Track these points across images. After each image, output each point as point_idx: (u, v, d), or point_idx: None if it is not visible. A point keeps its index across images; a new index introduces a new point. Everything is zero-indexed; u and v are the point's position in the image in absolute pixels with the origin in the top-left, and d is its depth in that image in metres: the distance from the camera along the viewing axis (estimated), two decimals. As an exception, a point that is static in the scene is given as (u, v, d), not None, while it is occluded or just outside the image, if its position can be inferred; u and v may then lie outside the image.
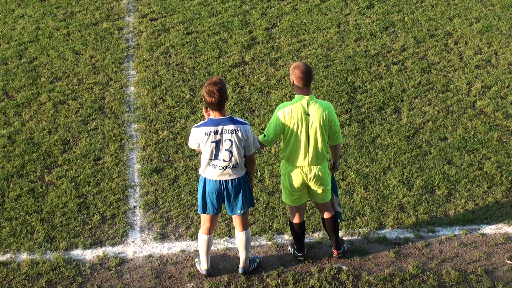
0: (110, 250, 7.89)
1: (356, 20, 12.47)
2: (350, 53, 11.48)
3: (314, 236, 8.06)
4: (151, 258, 7.78)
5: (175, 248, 7.90)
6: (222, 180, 7.09)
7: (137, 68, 11.19)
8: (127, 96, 10.54)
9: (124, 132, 9.75)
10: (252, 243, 7.92)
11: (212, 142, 6.95)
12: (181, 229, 8.17)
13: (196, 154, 9.28)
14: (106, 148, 9.42)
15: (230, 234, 8.06)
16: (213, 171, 7.07)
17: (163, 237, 8.06)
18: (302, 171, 7.26)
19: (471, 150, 9.36)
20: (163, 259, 7.77)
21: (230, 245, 7.92)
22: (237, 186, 7.12)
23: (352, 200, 8.55)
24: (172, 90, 10.61)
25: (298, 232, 7.56)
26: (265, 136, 7.20)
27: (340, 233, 8.09)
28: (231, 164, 7.01)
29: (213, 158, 7.01)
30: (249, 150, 7.06)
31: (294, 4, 13.02)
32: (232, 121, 6.97)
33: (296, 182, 7.31)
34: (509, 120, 9.94)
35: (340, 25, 12.35)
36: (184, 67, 11.19)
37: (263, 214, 8.33)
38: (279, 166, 9.05)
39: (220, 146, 6.95)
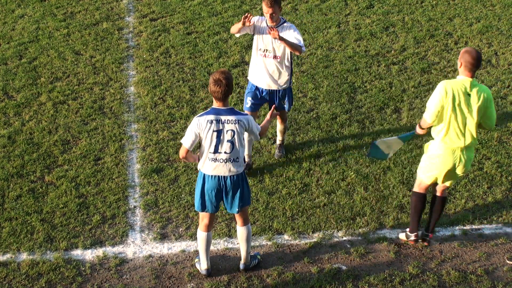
0: (110, 250, 7.89)
1: (356, 20, 12.47)
2: (350, 53, 11.48)
3: (314, 236, 8.06)
4: (151, 258, 7.78)
5: (175, 248, 7.90)
6: (221, 176, 7.06)
7: (137, 68, 11.19)
8: (127, 96, 10.54)
9: (124, 132, 9.75)
10: (252, 243, 7.92)
11: (214, 131, 6.91)
12: (181, 229, 8.17)
13: (196, 154, 9.27)
14: (106, 148, 9.42)
15: (230, 234, 8.06)
16: (213, 165, 7.02)
17: (163, 237, 8.06)
18: (454, 153, 7.35)
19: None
20: (163, 259, 7.77)
21: (230, 245, 7.92)
22: (235, 183, 7.09)
23: (352, 200, 8.55)
24: (172, 90, 10.62)
25: (419, 206, 7.65)
26: (428, 108, 7.33)
27: (341, 233, 8.10)
28: (231, 158, 6.98)
29: (213, 151, 6.97)
30: (256, 136, 7.14)
31: (294, 4, 13.01)
32: (234, 112, 6.97)
33: (445, 164, 7.37)
34: (509, 120, 9.93)
35: (340, 25, 12.35)
36: (184, 67, 11.19)
37: (263, 214, 8.33)
38: (279, 167, 9.05)
39: (222, 137, 6.93)
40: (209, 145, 6.95)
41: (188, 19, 12.54)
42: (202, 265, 7.52)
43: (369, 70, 11.06)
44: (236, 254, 7.80)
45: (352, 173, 8.95)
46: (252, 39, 8.87)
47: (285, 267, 7.66)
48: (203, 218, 7.33)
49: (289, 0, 13.10)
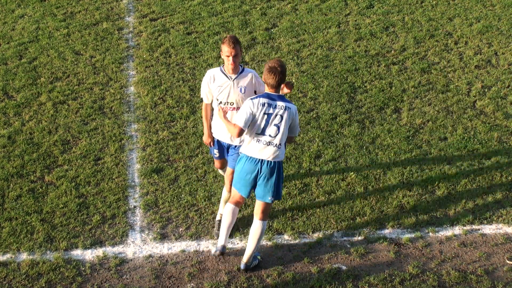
0: (110, 250, 7.89)
1: (356, 20, 12.47)
2: (350, 53, 11.48)
3: (314, 236, 8.06)
4: (151, 258, 7.78)
5: (175, 248, 7.90)
6: (259, 160, 7.31)
7: (137, 68, 11.18)
8: (127, 96, 10.54)
9: (124, 132, 9.75)
10: (252, 243, 7.92)
11: (264, 113, 7.29)
12: (181, 229, 8.17)
13: (196, 154, 9.28)
14: (106, 148, 9.42)
15: (230, 234, 8.05)
16: (256, 147, 7.34)
17: (163, 237, 8.06)
18: None
19: (471, 150, 9.36)
20: (163, 259, 7.77)
21: (230, 245, 7.92)
22: (272, 170, 7.34)
23: (352, 200, 8.54)
24: (172, 90, 10.61)
25: None
26: None
27: (341, 233, 8.10)
28: (274, 142, 7.29)
29: (260, 132, 7.31)
30: (293, 132, 7.44)
31: (294, 4, 13.01)
32: (284, 100, 7.39)
33: None
34: (509, 120, 9.94)
35: (340, 25, 12.35)
36: (184, 67, 11.18)
37: (263, 214, 8.33)
38: (279, 166, 9.05)
39: (270, 120, 7.28)
40: (257, 126, 7.31)
41: (188, 19, 12.54)
42: (220, 241, 7.59)
43: (369, 70, 11.06)
44: (236, 254, 7.80)
45: (352, 173, 8.95)
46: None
47: (285, 267, 7.66)
48: (235, 195, 7.60)
49: (289, 0, 13.10)
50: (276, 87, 7.33)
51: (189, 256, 7.80)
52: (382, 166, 9.08)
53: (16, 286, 7.45)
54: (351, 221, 8.25)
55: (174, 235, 8.08)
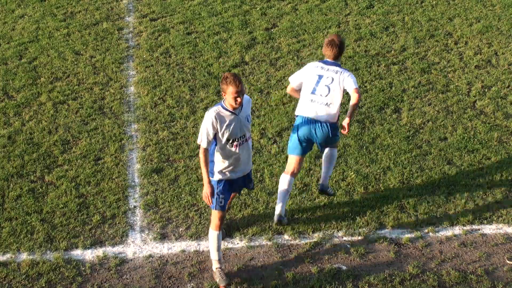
0: (110, 250, 7.89)
1: (356, 20, 12.47)
2: (350, 53, 11.48)
3: (314, 236, 8.06)
4: (151, 258, 7.78)
5: (175, 248, 7.90)
6: (314, 122, 7.83)
7: (137, 68, 11.18)
8: (127, 96, 10.54)
9: (124, 132, 9.75)
10: (252, 243, 7.92)
11: (317, 74, 7.85)
12: (181, 229, 8.17)
13: (196, 154, 9.28)
14: (106, 148, 9.42)
15: (230, 234, 8.05)
16: (310, 106, 7.85)
17: (163, 237, 8.06)
18: None
19: (471, 150, 9.36)
20: (163, 259, 7.77)
21: (230, 245, 7.92)
22: (325, 132, 7.89)
23: (352, 200, 8.54)
24: (172, 90, 10.61)
25: None
26: None
27: (341, 233, 8.10)
28: (327, 102, 7.79)
29: (311, 92, 7.84)
30: (351, 86, 7.76)
31: (294, 4, 13.01)
32: (339, 66, 7.92)
33: None
34: (509, 120, 9.94)
35: (340, 25, 12.35)
36: (184, 67, 11.18)
37: (263, 214, 8.33)
38: (279, 166, 9.05)
39: (321, 81, 7.81)
40: (309, 86, 7.83)
41: (188, 19, 12.54)
42: (276, 210, 7.97)
43: (369, 70, 11.06)
44: (236, 254, 7.80)
45: (352, 173, 8.94)
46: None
47: (285, 267, 7.66)
48: (292, 162, 7.97)
49: (289, 0, 13.10)
50: (334, 59, 7.88)
51: (189, 256, 7.80)
52: (382, 166, 9.08)
53: (16, 286, 7.45)
54: (351, 221, 8.25)
55: (174, 235, 8.08)
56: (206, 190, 7.11)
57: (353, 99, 7.73)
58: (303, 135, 7.91)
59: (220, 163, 7.20)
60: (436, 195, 8.63)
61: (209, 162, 7.14)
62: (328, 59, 7.92)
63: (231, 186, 7.36)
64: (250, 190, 7.79)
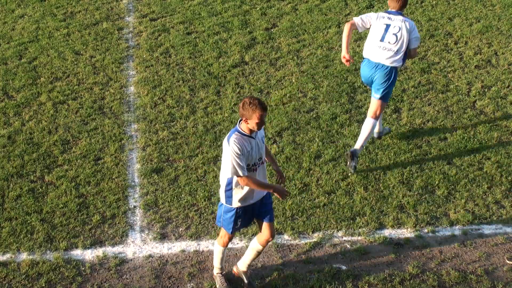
0: (110, 250, 7.89)
1: (356, 20, 12.46)
2: (350, 53, 11.47)
3: (314, 236, 8.06)
4: (151, 258, 7.78)
5: (175, 248, 7.90)
6: (375, 63, 8.81)
7: (137, 68, 11.18)
8: (127, 96, 10.54)
9: (124, 132, 9.75)
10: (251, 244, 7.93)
11: (383, 24, 8.78)
12: (181, 229, 8.17)
13: (196, 154, 9.28)
14: (106, 148, 9.42)
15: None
16: (375, 51, 8.82)
17: (163, 237, 8.06)
18: None
19: (471, 150, 9.36)
20: (163, 259, 7.77)
21: (230, 245, 7.92)
22: (385, 74, 8.79)
23: (352, 200, 8.54)
24: (172, 90, 10.61)
25: None
26: None
27: (341, 233, 8.10)
28: (393, 48, 8.70)
29: (380, 39, 8.78)
30: (412, 44, 8.75)
31: (294, 4, 13.01)
32: (403, 16, 8.79)
33: None
34: (509, 120, 9.94)
35: (340, 25, 12.34)
36: (184, 67, 11.18)
37: (263, 214, 8.33)
38: (279, 166, 9.04)
39: (389, 30, 8.73)
40: (378, 34, 8.76)
41: (188, 19, 12.54)
42: (356, 145, 8.89)
43: (369, 70, 11.05)
44: (236, 254, 7.80)
45: (352, 173, 8.94)
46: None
47: (285, 267, 7.66)
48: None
49: (289, 0, 13.10)
50: (398, 9, 8.78)
51: (189, 256, 7.80)
52: (382, 166, 9.08)
53: (16, 286, 7.45)
54: (351, 221, 8.25)
55: (174, 235, 8.08)
56: (278, 191, 6.83)
57: (410, 55, 8.91)
58: (364, 76, 9.00)
59: (239, 189, 6.89)
60: (436, 195, 8.63)
61: (260, 183, 6.81)
62: (393, 10, 8.85)
63: (252, 212, 7.09)
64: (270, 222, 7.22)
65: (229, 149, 6.64)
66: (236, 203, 6.95)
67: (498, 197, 8.61)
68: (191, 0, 13.13)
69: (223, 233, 7.18)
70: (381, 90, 8.87)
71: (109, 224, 8.23)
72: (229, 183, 6.87)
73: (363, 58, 9.02)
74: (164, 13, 12.74)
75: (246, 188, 6.87)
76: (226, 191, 6.92)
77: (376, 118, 8.96)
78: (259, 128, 6.68)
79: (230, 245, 7.91)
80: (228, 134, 6.76)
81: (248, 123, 6.64)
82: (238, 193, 6.91)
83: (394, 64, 8.79)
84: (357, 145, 8.89)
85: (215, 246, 7.33)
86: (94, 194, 8.65)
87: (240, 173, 6.68)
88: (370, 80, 8.96)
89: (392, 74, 8.82)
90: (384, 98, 8.92)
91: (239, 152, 6.61)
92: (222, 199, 7.02)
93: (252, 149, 6.74)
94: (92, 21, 12.53)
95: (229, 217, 7.03)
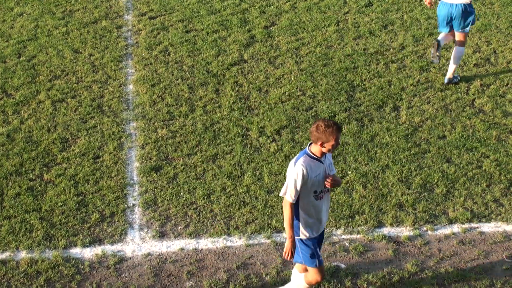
0: (109, 248, 7.89)
1: (355, 19, 12.47)
2: (349, 51, 11.48)
3: (313, 234, 8.05)
4: (150, 256, 7.78)
5: (174, 247, 7.90)
6: (449, 4, 10.21)
7: (136, 67, 11.18)
8: (126, 94, 10.54)
9: (123, 130, 9.75)
10: (251, 241, 7.93)
11: None
12: (180, 227, 8.17)
13: (195, 152, 9.29)
14: (105, 147, 9.42)
15: (228, 232, 8.07)
16: None
17: (162, 235, 8.06)
18: None
19: (469, 148, 9.36)
20: (162, 257, 7.77)
21: (228, 243, 7.93)
22: (462, 10, 10.16)
23: (350, 199, 8.55)
24: (171, 88, 10.61)
25: None
26: None
27: (339, 231, 8.11)
28: None
29: None
30: None
31: (293, 2, 13.01)
32: None
33: None
34: (507, 118, 9.94)
35: (339, 23, 12.34)
36: (183, 66, 11.18)
37: (262, 212, 8.33)
38: (278, 164, 9.06)
39: None
40: None
41: (187, 17, 12.53)
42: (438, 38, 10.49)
43: (368, 68, 11.06)
44: (235, 252, 7.80)
45: (351, 171, 8.95)
46: None
47: (284, 265, 7.66)
48: (444, 35, 10.60)
49: (288, -2, 13.10)
50: None
51: (188, 254, 7.80)
52: (381, 164, 9.08)
53: (15, 284, 7.45)
54: (350, 219, 8.26)
55: (173, 233, 8.09)
56: (289, 247, 6.55)
57: None
58: (441, 15, 10.34)
59: (308, 219, 6.59)
60: (435, 193, 8.63)
61: (293, 217, 6.54)
62: None
63: (319, 240, 6.85)
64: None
65: (293, 170, 6.38)
66: (306, 233, 6.63)
67: (496, 195, 8.62)
68: (190, -2, 13.12)
69: (311, 272, 6.75)
70: (463, 24, 10.32)
71: (108, 222, 8.23)
72: (296, 210, 6.54)
73: (439, 1, 10.45)
74: (163, 11, 12.73)
75: (314, 216, 6.59)
76: (295, 221, 6.58)
77: (463, 46, 10.52)
78: (333, 151, 6.45)
79: (229, 244, 7.93)
80: (295, 157, 6.49)
81: (323, 146, 6.35)
82: (306, 222, 6.60)
83: (466, 1, 10.21)
84: (449, 74, 10.57)
85: (299, 282, 6.93)
86: (93, 192, 8.65)
87: (288, 196, 6.44)
88: (449, 19, 10.35)
89: (467, 8, 10.23)
90: (467, 29, 10.39)
91: (301, 178, 6.35)
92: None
93: (319, 174, 6.47)
94: (91, 19, 12.52)
95: (306, 250, 6.66)
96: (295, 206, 6.53)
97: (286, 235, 6.57)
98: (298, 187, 6.41)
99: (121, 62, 11.31)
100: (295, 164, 6.41)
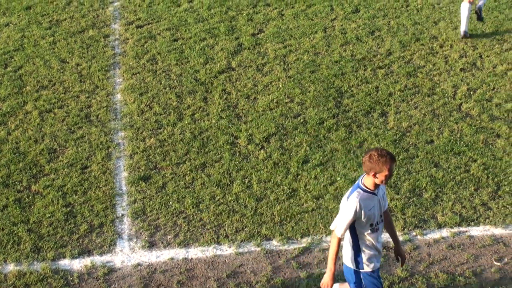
0: (98, 259, 7.85)
1: (342, 25, 12.50)
2: (337, 57, 11.51)
3: (303, 241, 8.05)
4: (139, 266, 7.75)
5: (164, 256, 7.88)
6: None
7: (123, 76, 11.16)
8: (113, 103, 10.51)
9: (111, 140, 9.72)
10: (240, 250, 7.92)
11: None
12: (169, 237, 8.15)
13: (183, 161, 9.27)
14: (93, 157, 9.39)
15: (218, 241, 8.05)
16: None
17: (151, 245, 8.03)
18: None
19: (457, 152, 9.39)
20: (151, 267, 7.74)
21: (218, 252, 7.91)
22: None
23: (340, 205, 8.54)
24: (159, 97, 10.60)
25: None
26: None
27: (329, 238, 8.09)
28: None
29: None
30: None
31: (280, 9, 13.03)
32: None
33: None
34: (494, 122, 9.98)
35: (326, 30, 12.37)
36: (170, 74, 11.17)
37: (251, 220, 8.32)
38: (267, 172, 9.06)
39: None
40: None
41: (174, 25, 12.53)
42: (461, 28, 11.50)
43: (355, 74, 11.09)
44: (225, 261, 7.79)
45: (340, 178, 8.95)
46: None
47: (274, 272, 7.65)
48: None
49: (275, 6, 13.11)
50: None
51: (178, 264, 7.77)
52: (369, 170, 9.08)
53: (4, 297, 7.41)
54: (339, 226, 8.24)
55: (162, 243, 8.06)
56: (327, 279, 6.45)
57: None
58: None
59: (369, 251, 6.45)
60: (424, 198, 8.65)
61: (338, 251, 6.43)
62: None
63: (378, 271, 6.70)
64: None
65: (345, 205, 6.26)
66: (368, 266, 6.50)
67: (485, 199, 8.64)
68: (178, 7, 13.13)
69: None
70: None
71: (97, 233, 8.20)
72: (356, 243, 6.45)
73: None
74: (150, 20, 12.73)
75: (373, 248, 6.46)
76: (359, 254, 6.49)
77: (471, 3, 11.46)
78: (386, 182, 6.25)
79: (218, 252, 7.91)
80: (348, 191, 6.36)
81: (376, 177, 6.18)
82: (366, 255, 6.47)
83: None
84: (462, 28, 11.71)
85: None
86: (81, 203, 8.61)
87: (338, 231, 6.32)
88: None
89: None
90: None
91: (352, 212, 6.21)
92: (351, 263, 6.53)
93: (374, 207, 6.32)
94: (78, 28, 12.50)
95: (372, 283, 6.52)
96: (354, 240, 6.41)
97: (327, 266, 6.44)
98: (349, 223, 6.27)
99: (108, 71, 11.29)
100: (348, 199, 6.27)
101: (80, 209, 8.52)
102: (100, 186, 8.87)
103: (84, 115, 10.22)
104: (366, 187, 6.28)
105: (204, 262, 7.78)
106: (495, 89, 10.74)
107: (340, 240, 6.36)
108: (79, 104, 10.46)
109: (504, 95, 10.54)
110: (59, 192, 8.75)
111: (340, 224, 6.31)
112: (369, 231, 6.38)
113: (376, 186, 6.30)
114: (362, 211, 6.24)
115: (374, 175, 6.17)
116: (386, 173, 6.13)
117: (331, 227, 6.44)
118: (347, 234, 6.47)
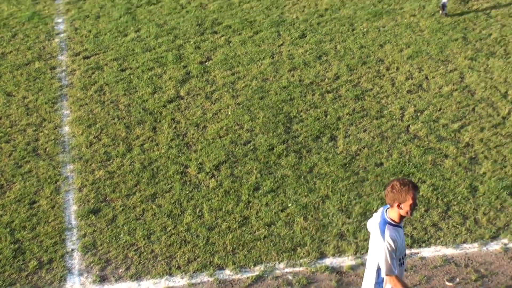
0: (47, 296, 7.69)
1: (289, 50, 12.60)
2: (285, 83, 11.58)
3: (256, 269, 8.02)
4: (90, 302, 7.62)
5: (115, 290, 7.76)
6: None
7: (71, 107, 11.04)
8: (61, 136, 10.38)
9: (60, 174, 9.57)
10: (193, 280, 7.84)
11: None
12: (120, 270, 8.03)
13: (133, 192, 9.17)
14: (41, 191, 9.23)
15: (170, 272, 7.96)
16: None
17: (102, 279, 7.90)
18: None
19: (406, 174, 9.50)
20: (103, 302, 7.62)
21: (171, 284, 7.82)
22: None
23: (292, 231, 8.55)
24: (108, 128, 10.50)
25: None
26: None
27: (282, 265, 8.08)
28: None
29: None
30: None
31: (228, 36, 13.08)
32: None
33: None
34: (442, 143, 10.14)
35: (274, 56, 12.46)
36: (119, 105, 11.09)
37: (203, 250, 8.26)
38: (218, 200, 9.02)
39: None
40: None
41: (121, 55, 12.46)
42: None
43: (304, 99, 11.16)
44: (178, 292, 7.71)
45: (291, 203, 8.97)
46: None
47: (228, 302, 7.59)
48: None
49: (222, 33, 13.16)
50: None
51: (130, 298, 7.66)
52: (320, 195, 9.13)
53: None
54: (292, 252, 8.25)
55: (113, 276, 7.94)
56: None
57: None
58: None
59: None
60: (375, 221, 8.70)
61: (406, 283, 6.36)
62: None
63: None
64: None
65: (384, 245, 6.09)
66: None
67: (435, 219, 8.74)
68: (124, 36, 13.07)
69: None
70: None
71: (46, 269, 8.03)
72: (382, 280, 6.31)
73: None
74: (97, 51, 12.64)
75: None
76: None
77: None
78: (412, 213, 6.11)
79: (171, 284, 7.82)
80: (378, 226, 6.21)
81: (400, 208, 6.08)
82: None
83: None
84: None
85: None
86: (30, 239, 8.44)
87: (392, 271, 6.14)
88: None
89: None
90: None
91: (395, 248, 6.08)
92: None
93: (402, 241, 6.24)
94: (24, 61, 12.34)
95: None
96: (379, 279, 6.30)
97: None
98: (395, 257, 6.14)
99: (56, 103, 11.15)
100: (383, 238, 6.11)
101: (28, 245, 8.34)
102: (49, 221, 8.72)
103: (32, 149, 10.06)
104: (393, 220, 6.18)
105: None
106: (441, 110, 10.92)
107: (398, 277, 6.18)
108: (26, 137, 10.30)
109: (450, 116, 10.73)
110: (6, 229, 8.57)
111: (388, 265, 6.12)
112: (397, 266, 6.21)
113: (401, 218, 6.19)
114: (397, 246, 6.13)
115: (399, 206, 6.08)
116: (411, 202, 6.03)
117: (384, 275, 6.18)
118: (373, 269, 6.33)
